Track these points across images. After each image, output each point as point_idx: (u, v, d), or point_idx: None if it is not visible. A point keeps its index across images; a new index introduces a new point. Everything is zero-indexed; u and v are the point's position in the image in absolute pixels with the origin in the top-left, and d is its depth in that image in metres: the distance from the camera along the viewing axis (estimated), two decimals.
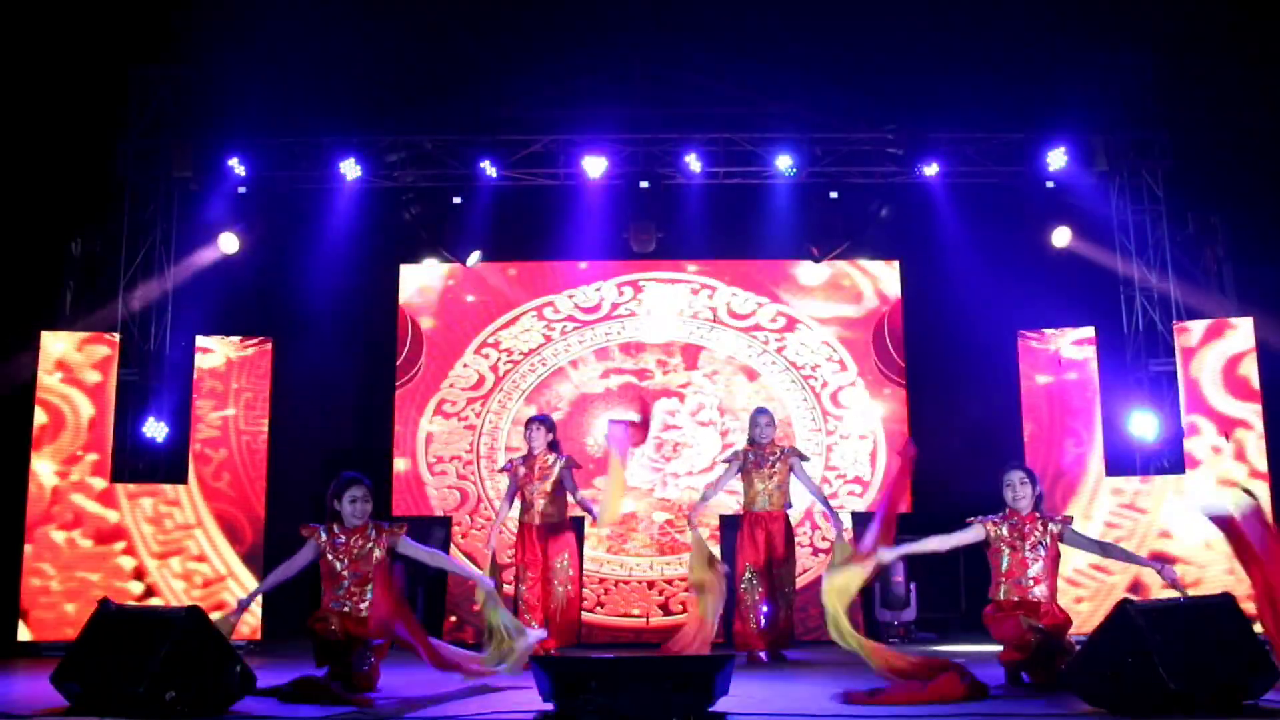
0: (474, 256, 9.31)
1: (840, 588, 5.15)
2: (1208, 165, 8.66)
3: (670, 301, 9.49)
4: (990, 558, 5.50)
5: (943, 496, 8.41)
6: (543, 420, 7.24)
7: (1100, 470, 8.04)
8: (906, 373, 9.27)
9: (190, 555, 7.87)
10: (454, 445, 9.21)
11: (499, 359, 9.37)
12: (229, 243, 8.84)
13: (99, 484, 7.87)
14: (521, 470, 7.08)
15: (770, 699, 4.99)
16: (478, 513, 9.05)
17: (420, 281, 9.51)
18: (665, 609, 8.69)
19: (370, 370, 9.51)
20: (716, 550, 8.71)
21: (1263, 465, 7.72)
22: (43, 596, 7.69)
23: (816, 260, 9.28)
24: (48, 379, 7.92)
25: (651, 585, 8.78)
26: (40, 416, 7.86)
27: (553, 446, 7.16)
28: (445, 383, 9.34)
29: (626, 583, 8.78)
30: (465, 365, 9.38)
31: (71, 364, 7.96)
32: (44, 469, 7.83)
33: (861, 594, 8.37)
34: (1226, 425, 7.78)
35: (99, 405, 7.94)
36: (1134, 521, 7.91)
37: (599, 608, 8.65)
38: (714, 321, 9.43)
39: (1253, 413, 7.80)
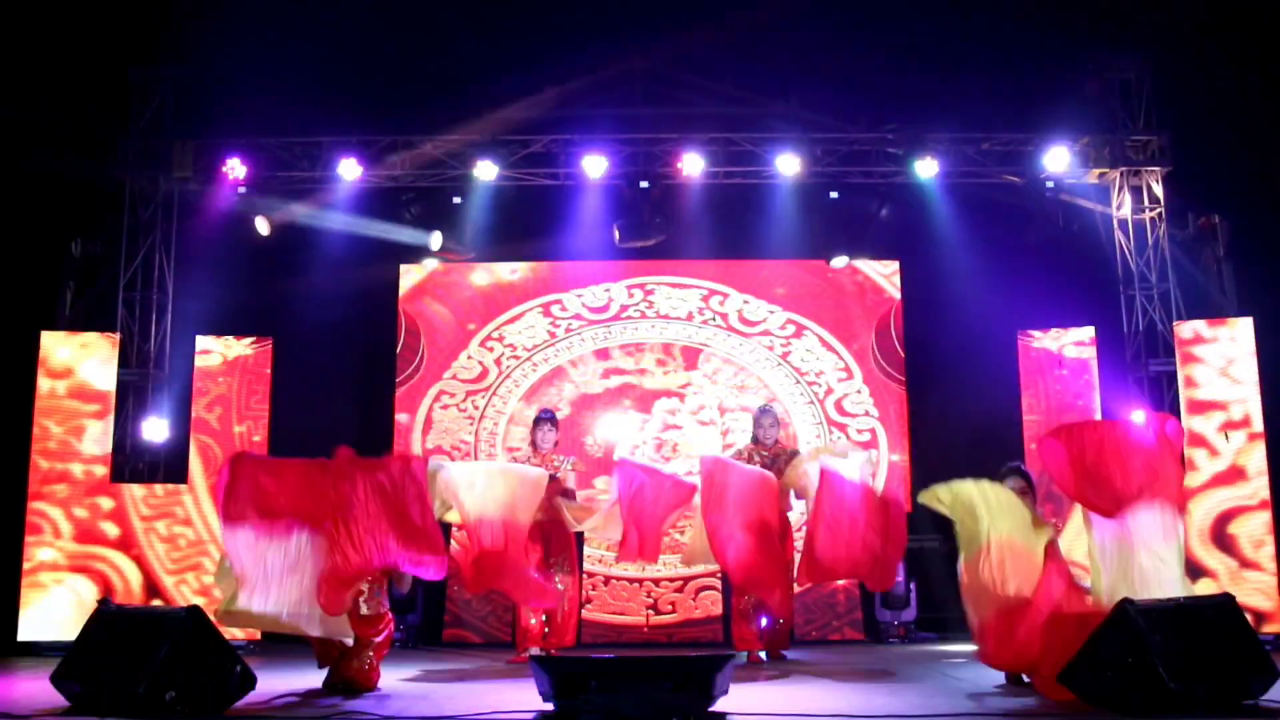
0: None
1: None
2: (1208, 165, 8.65)
3: (670, 301, 9.49)
4: None
5: None
6: (551, 419, 7.29)
7: None
8: (907, 373, 9.26)
9: (190, 554, 7.86)
10: (453, 444, 9.20)
11: (502, 354, 9.36)
12: (262, 226, 8.89)
13: (99, 483, 7.86)
14: None
15: (770, 699, 4.99)
16: None
17: (420, 281, 9.51)
18: (655, 609, 8.68)
19: (370, 370, 9.50)
20: None
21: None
22: (42, 596, 7.68)
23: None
24: (47, 379, 7.91)
25: (650, 585, 8.77)
26: (40, 416, 7.85)
27: (557, 445, 7.22)
28: (444, 383, 9.33)
29: (627, 582, 8.77)
30: (465, 365, 9.37)
31: (71, 364, 7.95)
32: (44, 469, 7.81)
33: (862, 593, 8.46)
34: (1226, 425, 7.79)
35: (99, 405, 7.93)
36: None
37: (597, 606, 8.64)
38: (712, 322, 9.42)
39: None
